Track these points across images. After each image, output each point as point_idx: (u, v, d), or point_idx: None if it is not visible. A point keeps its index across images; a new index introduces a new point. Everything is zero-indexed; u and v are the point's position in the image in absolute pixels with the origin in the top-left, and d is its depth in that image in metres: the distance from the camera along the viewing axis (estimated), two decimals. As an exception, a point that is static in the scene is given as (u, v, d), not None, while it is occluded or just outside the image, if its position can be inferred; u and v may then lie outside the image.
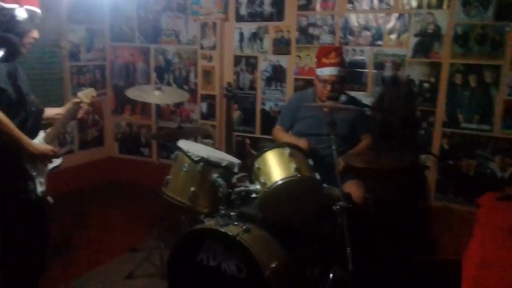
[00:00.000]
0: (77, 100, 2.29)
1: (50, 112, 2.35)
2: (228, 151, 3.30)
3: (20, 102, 2.09)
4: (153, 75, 4.46)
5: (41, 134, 2.20)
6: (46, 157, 2.18)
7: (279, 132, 3.22)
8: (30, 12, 2.03)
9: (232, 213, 2.39)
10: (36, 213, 2.19)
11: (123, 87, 4.47)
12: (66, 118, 2.31)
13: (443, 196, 3.44)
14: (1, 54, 1.96)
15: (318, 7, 3.68)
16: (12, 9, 1.97)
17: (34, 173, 2.13)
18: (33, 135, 2.15)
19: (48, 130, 2.24)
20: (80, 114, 2.34)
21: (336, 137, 2.53)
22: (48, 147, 2.17)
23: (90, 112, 2.31)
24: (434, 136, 3.43)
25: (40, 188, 2.15)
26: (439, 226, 3.43)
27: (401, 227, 3.32)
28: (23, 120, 2.11)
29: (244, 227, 2.27)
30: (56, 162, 2.27)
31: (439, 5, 3.30)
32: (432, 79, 3.39)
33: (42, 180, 2.17)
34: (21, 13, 1.99)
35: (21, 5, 2.00)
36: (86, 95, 2.32)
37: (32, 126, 2.17)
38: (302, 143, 2.85)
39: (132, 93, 3.20)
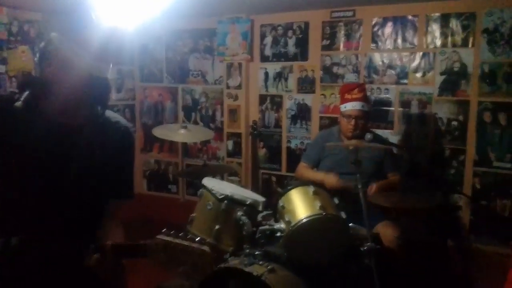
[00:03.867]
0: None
1: None
2: (254, 188, 3.29)
3: None
4: (181, 114, 4.56)
5: None
6: None
7: (304, 169, 3.21)
8: None
9: (257, 252, 2.35)
10: None
11: (151, 125, 4.57)
12: None
13: (477, 238, 3.31)
14: None
15: (341, 47, 3.73)
16: None
17: None
18: None
19: None
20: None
21: (362, 175, 2.51)
22: None
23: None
24: (465, 175, 3.34)
25: None
26: (473, 269, 3.27)
27: (433, 269, 3.19)
28: None
29: (269, 267, 2.22)
30: None
31: (465, 44, 3.30)
32: (461, 117, 3.35)
33: None
34: None
35: None
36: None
37: None
38: (332, 179, 2.84)
39: (158, 131, 3.27)
